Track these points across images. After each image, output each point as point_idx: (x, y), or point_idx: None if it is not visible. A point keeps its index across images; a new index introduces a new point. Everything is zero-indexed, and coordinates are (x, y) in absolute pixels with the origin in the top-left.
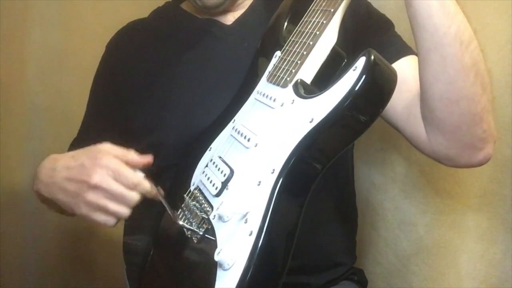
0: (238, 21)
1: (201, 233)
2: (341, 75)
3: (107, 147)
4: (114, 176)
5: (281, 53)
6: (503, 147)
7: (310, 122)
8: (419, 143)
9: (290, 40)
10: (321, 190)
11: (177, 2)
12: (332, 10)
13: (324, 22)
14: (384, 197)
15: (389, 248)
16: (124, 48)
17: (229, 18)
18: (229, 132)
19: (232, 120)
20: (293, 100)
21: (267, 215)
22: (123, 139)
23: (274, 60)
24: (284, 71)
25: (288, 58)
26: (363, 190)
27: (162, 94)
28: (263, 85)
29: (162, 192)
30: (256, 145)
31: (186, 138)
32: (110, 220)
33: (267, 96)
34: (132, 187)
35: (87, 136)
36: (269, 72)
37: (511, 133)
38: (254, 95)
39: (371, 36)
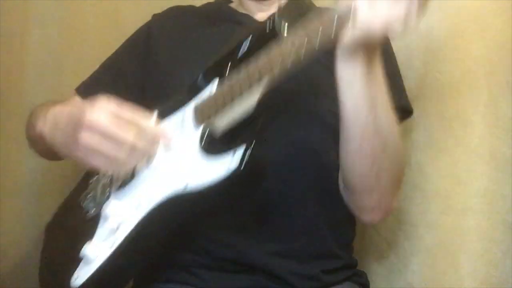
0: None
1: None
2: (224, 150)
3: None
4: (112, 115)
5: (217, 85)
6: (503, 147)
7: (185, 187)
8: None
9: (228, 79)
10: (313, 198)
11: (227, 1)
12: (263, 78)
13: (253, 85)
14: None
15: (389, 248)
16: (168, 17)
17: (263, 16)
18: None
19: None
20: (192, 143)
21: (129, 236)
22: (132, 91)
23: (209, 87)
24: (207, 107)
25: (216, 97)
26: None
27: (184, 63)
28: (189, 109)
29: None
30: (154, 168)
31: None
32: (107, 165)
33: (184, 120)
34: (134, 129)
35: (100, 78)
36: (200, 100)
37: (511, 133)
38: (187, 107)
39: None
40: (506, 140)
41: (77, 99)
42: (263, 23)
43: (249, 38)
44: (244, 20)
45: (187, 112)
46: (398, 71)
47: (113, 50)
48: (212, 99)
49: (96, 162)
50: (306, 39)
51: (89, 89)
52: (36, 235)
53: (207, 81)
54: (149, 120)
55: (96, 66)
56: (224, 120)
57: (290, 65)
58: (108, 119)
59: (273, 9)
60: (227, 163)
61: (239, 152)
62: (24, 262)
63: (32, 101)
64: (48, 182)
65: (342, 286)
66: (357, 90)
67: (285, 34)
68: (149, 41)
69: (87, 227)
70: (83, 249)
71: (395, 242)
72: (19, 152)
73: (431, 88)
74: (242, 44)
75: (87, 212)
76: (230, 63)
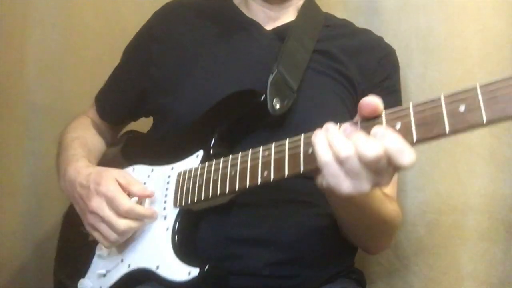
0: (275, 29)
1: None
2: (191, 251)
3: (114, 173)
4: (108, 203)
5: (200, 162)
6: (503, 147)
7: (157, 268)
8: None
9: (211, 163)
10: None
11: None
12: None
13: (227, 188)
14: None
15: (389, 248)
16: (169, 16)
17: (270, 24)
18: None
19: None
20: (167, 228)
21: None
22: (140, 98)
23: (193, 158)
24: (186, 192)
25: (198, 181)
26: None
27: (188, 66)
28: (172, 182)
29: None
30: (138, 234)
31: (196, 113)
32: (104, 240)
33: (167, 195)
34: (124, 214)
35: (112, 90)
36: (183, 170)
37: (511, 133)
38: (172, 176)
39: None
40: (506, 140)
41: (84, 162)
42: (258, 93)
43: (241, 110)
44: (252, 29)
45: (170, 186)
46: (399, 89)
47: (113, 50)
48: (193, 184)
49: (94, 235)
50: (273, 169)
51: (104, 105)
52: (36, 235)
53: (192, 149)
54: (139, 205)
55: (96, 65)
56: (201, 205)
57: (260, 183)
58: (106, 207)
59: (282, 17)
60: (182, 272)
61: (196, 271)
62: (23, 262)
63: (32, 100)
64: (48, 182)
65: (338, 282)
66: (341, 206)
67: (277, 108)
68: (151, 45)
69: (86, 250)
70: (79, 283)
71: (395, 242)
72: (19, 152)
73: (431, 88)
74: (232, 114)
75: (86, 234)
76: (217, 134)
